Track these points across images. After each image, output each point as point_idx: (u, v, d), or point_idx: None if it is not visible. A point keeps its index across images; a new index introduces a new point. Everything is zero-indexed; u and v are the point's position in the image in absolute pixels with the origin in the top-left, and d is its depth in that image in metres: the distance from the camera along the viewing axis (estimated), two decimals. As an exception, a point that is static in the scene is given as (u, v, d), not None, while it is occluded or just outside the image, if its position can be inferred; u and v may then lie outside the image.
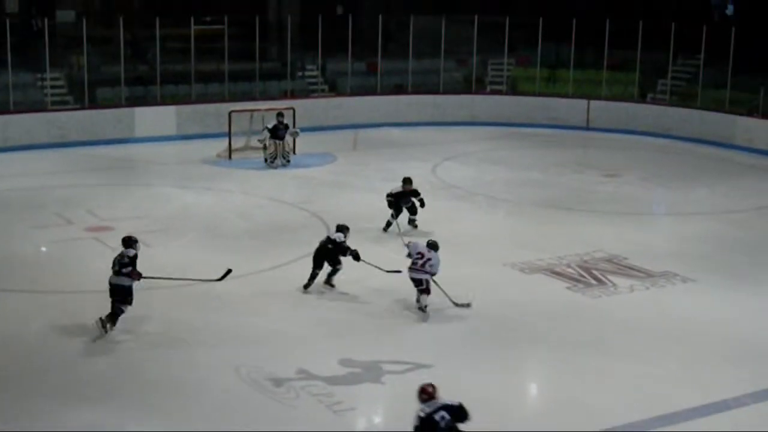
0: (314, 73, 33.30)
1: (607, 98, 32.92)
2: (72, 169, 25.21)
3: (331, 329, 14.39)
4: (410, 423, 11.49)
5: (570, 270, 17.36)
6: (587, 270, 17.36)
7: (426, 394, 10.00)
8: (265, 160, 25.53)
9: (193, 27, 30.04)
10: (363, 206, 21.73)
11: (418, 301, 15.28)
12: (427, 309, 15.07)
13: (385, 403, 12.30)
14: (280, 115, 25.67)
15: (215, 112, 29.15)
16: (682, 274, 17.21)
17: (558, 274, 17.16)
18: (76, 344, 13.67)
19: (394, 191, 19.76)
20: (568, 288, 16.48)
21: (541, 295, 16.20)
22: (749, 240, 19.91)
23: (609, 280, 16.85)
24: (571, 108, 32.63)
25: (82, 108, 28.87)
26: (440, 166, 25.95)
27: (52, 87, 29.06)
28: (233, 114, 26.69)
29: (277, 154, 25.53)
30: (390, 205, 19.66)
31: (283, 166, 25.47)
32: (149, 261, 17.43)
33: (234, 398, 12.06)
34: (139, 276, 14.25)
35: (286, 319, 14.78)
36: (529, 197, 22.86)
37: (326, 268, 16.23)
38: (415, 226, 19.76)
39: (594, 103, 32.64)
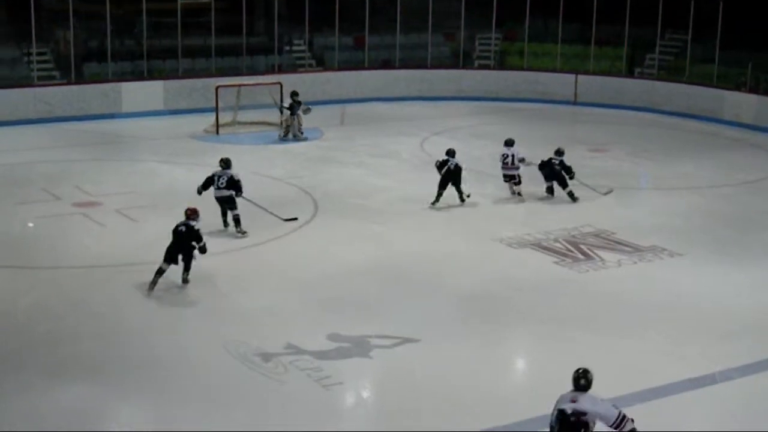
0: (301, 47, 33.17)
1: (594, 73, 32.90)
2: (59, 144, 25.11)
3: (319, 304, 14.40)
4: (398, 398, 11.60)
5: (558, 245, 17.39)
6: (575, 245, 17.39)
7: (186, 213, 15.05)
8: (280, 136, 25.90)
9: (179, 1, 29.88)
10: (351, 181, 21.76)
11: (514, 192, 20.32)
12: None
13: (373, 378, 12.33)
14: (295, 93, 25.98)
15: (202, 87, 29.04)
16: (670, 248, 17.26)
17: (546, 248, 17.19)
18: (63, 321, 13.67)
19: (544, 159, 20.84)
20: (556, 263, 16.52)
21: (529, 269, 16.23)
22: (737, 214, 19.97)
23: (597, 255, 16.89)
24: (559, 82, 32.61)
25: (69, 83, 28.74)
26: (428, 141, 25.93)
27: (39, 62, 28.90)
28: (220, 89, 26.60)
29: (290, 130, 25.84)
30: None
31: (297, 140, 25.72)
32: (137, 235, 17.51)
33: (222, 374, 12.08)
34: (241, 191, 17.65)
35: (273, 294, 14.79)
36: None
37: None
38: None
39: (582, 78, 32.62)
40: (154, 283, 14.62)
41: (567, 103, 32.29)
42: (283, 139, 25.85)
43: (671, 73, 32.55)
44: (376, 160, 23.83)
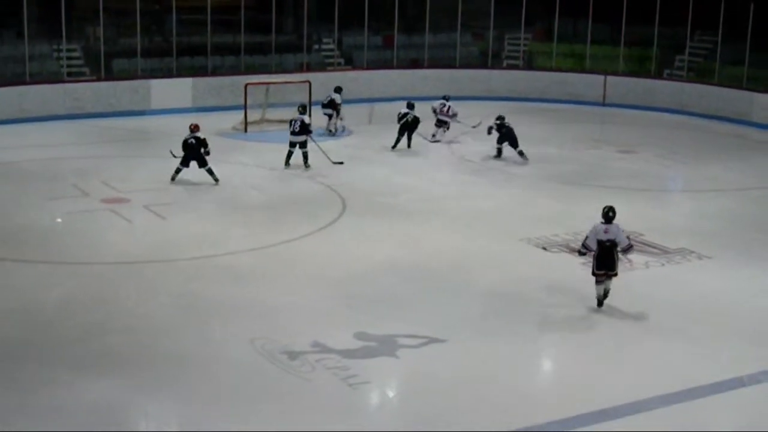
0: (330, 46, 33.25)
1: (624, 74, 32.81)
2: (88, 140, 25.25)
3: (346, 302, 14.40)
4: (425, 398, 11.58)
5: (585, 246, 17.30)
6: (603, 246, 17.29)
7: (191, 128, 20.32)
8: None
9: (209, -1, 30.05)
10: (378, 180, 21.78)
11: (434, 135, 25.56)
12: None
13: (399, 377, 12.33)
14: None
15: (231, 84, 29.19)
16: (698, 251, 17.17)
17: (574, 249, 17.10)
18: (92, 316, 13.72)
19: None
20: (583, 263, 16.43)
21: (557, 270, 16.18)
22: (766, 218, 19.85)
23: (625, 257, 16.79)
24: (588, 83, 32.55)
25: (99, 79, 28.91)
26: (456, 141, 25.88)
27: (69, 58, 29.09)
28: (249, 87, 26.68)
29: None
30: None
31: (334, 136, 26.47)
32: (164, 231, 17.59)
33: (249, 371, 12.11)
34: (311, 133, 22.51)
35: (301, 292, 14.81)
36: (545, 172, 22.83)
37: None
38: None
39: (611, 79, 32.52)
40: (173, 178, 20.63)
41: (596, 104, 32.20)
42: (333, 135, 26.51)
43: (701, 74, 32.41)
44: (403, 159, 23.85)
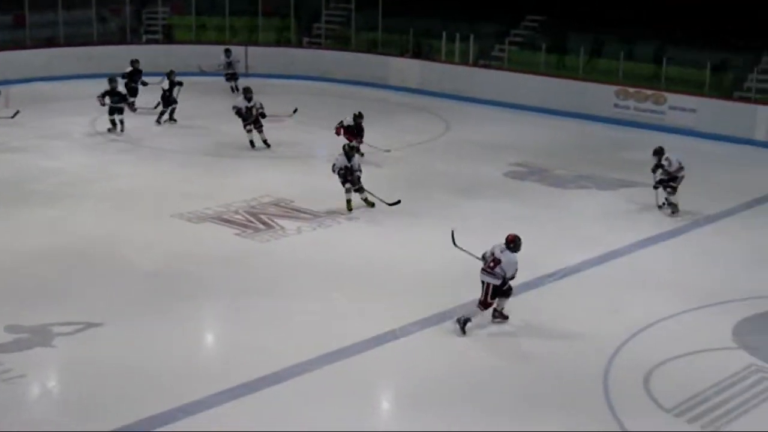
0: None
1: (264, 44, 33.20)
2: None
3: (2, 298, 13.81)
4: (85, 385, 11.29)
5: (238, 216, 17.48)
6: (255, 215, 17.54)
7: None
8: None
9: None
10: (20, 165, 20.86)
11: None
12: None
13: (57, 367, 11.99)
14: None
15: None
16: (347, 213, 17.73)
17: (226, 221, 17.23)
18: None
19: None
20: (237, 234, 16.60)
21: (212, 243, 16.23)
22: (406, 174, 20.83)
23: (277, 224, 17.11)
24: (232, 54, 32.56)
25: None
26: (99, 120, 25.17)
27: None
28: None
29: None
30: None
31: None
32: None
33: None
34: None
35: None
36: (194, 146, 22.77)
37: None
38: None
39: (252, 49, 32.76)
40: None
41: (240, 74, 32.33)
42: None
43: (338, 41, 33.39)
44: (46, 141, 22.98)
